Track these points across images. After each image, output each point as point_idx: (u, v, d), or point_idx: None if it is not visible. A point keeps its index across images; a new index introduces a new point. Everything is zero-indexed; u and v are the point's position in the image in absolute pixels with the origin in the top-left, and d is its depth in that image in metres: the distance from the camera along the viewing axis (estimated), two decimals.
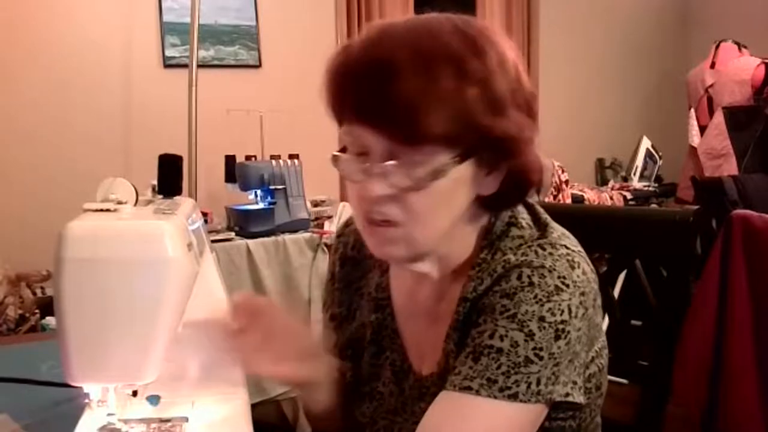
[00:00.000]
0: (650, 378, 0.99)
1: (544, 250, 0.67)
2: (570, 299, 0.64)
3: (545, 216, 0.74)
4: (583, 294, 0.66)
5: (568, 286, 0.64)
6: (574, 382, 0.66)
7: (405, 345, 0.79)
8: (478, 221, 0.72)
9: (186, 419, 0.77)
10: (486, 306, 0.66)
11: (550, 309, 0.63)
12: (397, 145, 0.63)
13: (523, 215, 0.73)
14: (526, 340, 0.63)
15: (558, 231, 0.72)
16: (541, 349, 0.63)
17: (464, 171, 0.65)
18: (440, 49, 0.62)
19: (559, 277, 0.65)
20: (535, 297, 0.64)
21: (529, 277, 0.65)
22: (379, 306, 0.81)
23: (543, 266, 0.65)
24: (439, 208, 0.66)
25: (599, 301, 0.71)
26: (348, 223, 0.88)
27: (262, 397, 2.29)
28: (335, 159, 0.68)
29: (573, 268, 0.66)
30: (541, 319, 0.63)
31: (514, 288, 0.65)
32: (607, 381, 0.76)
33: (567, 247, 0.68)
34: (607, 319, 1.08)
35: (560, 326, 0.63)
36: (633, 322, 1.09)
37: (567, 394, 0.65)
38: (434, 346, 0.74)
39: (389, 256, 0.70)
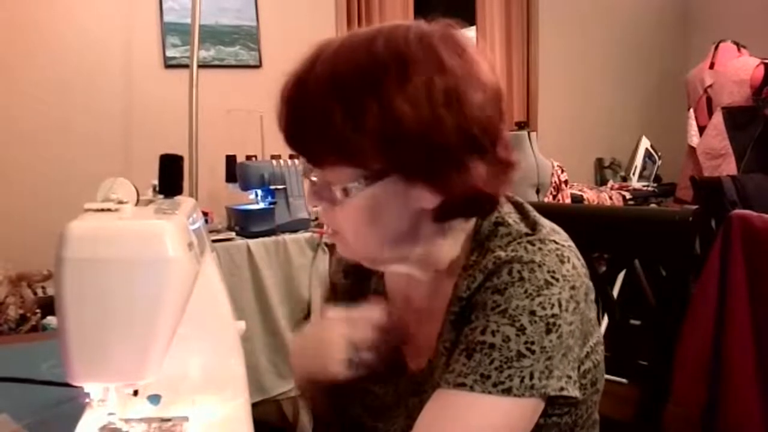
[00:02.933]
0: (650, 377, 0.99)
1: (534, 245, 0.68)
2: (560, 293, 0.64)
3: (534, 213, 0.75)
4: (573, 288, 0.66)
5: (557, 280, 0.65)
6: (569, 377, 0.66)
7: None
8: (465, 229, 0.73)
9: (186, 418, 0.77)
10: (478, 302, 0.67)
11: (540, 303, 0.63)
12: (311, 167, 0.68)
13: (510, 214, 0.74)
14: (517, 335, 0.63)
15: (547, 227, 0.72)
16: (532, 343, 0.63)
17: (382, 189, 0.65)
18: (375, 54, 0.62)
19: (548, 272, 0.65)
20: (526, 291, 0.64)
21: (519, 272, 0.65)
22: None
23: (533, 261, 0.65)
24: (366, 223, 0.68)
25: (592, 296, 0.72)
26: None
27: (262, 396, 2.29)
28: None
29: (563, 262, 0.67)
30: (532, 313, 0.63)
31: (504, 283, 0.65)
32: (604, 378, 0.76)
33: (556, 242, 0.69)
34: (606, 318, 1.09)
35: (551, 320, 0.64)
36: (632, 321, 1.09)
37: (561, 389, 0.65)
38: (428, 343, 0.75)
39: (342, 254, 0.74)
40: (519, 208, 0.76)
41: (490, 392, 0.62)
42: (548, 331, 0.63)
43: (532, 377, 0.63)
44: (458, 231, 0.73)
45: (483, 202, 0.69)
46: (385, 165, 0.64)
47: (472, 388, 0.63)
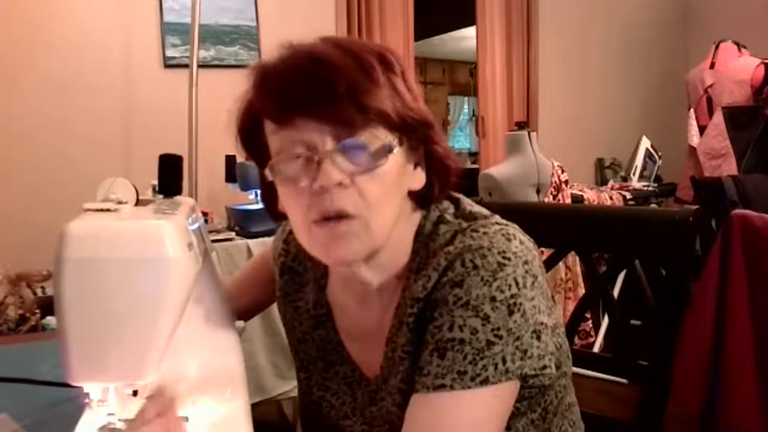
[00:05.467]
0: (650, 378, 0.99)
1: (478, 231, 0.69)
2: (515, 271, 0.65)
3: (470, 206, 0.77)
4: (526, 263, 0.67)
5: (509, 259, 0.66)
6: (552, 354, 0.67)
7: (353, 356, 0.80)
8: (411, 222, 0.74)
9: (186, 419, 0.77)
10: (438, 299, 0.67)
11: (498, 287, 0.64)
12: (343, 132, 0.65)
13: (448, 211, 0.75)
14: (483, 325, 0.64)
15: (486, 213, 0.74)
16: (498, 328, 0.64)
17: (399, 158, 0.68)
18: (363, 47, 0.68)
19: (499, 253, 0.66)
20: (482, 279, 0.64)
21: (471, 260, 0.66)
22: (320, 322, 0.82)
23: (482, 246, 0.66)
24: (388, 195, 0.68)
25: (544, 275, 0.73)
26: (292, 231, 0.88)
27: (262, 396, 2.29)
28: (274, 166, 0.68)
29: (509, 240, 0.68)
30: (492, 299, 0.64)
31: (460, 275, 0.65)
32: (570, 361, 0.77)
33: (498, 223, 0.71)
34: (606, 318, 1.08)
35: (511, 301, 0.64)
36: (632, 321, 1.09)
37: (544, 367, 0.66)
38: (379, 349, 0.75)
39: (342, 256, 0.68)
40: (456, 202, 0.77)
41: (469, 387, 0.63)
42: (511, 313, 0.64)
43: (504, 361, 0.64)
44: (408, 230, 0.74)
45: (446, 182, 0.74)
46: (400, 135, 0.68)
47: (452, 387, 0.63)
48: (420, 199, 0.73)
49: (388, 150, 0.66)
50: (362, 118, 0.64)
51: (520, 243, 0.68)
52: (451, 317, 0.65)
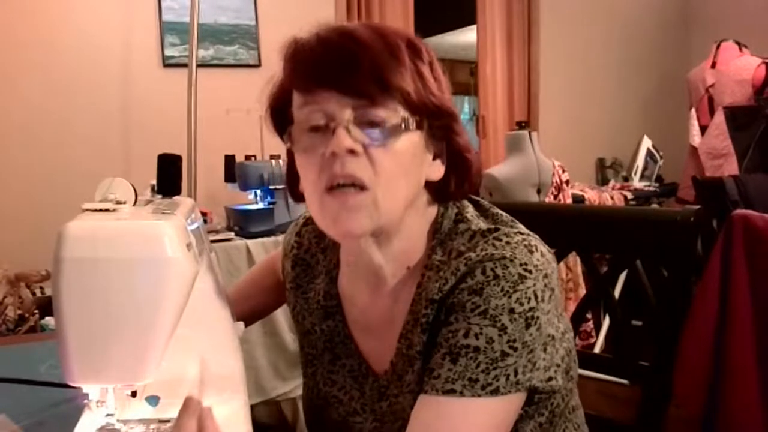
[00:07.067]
0: (651, 378, 0.99)
1: (501, 240, 0.68)
2: (534, 284, 0.65)
3: (490, 207, 0.77)
4: (546, 276, 0.67)
5: (531, 272, 0.66)
6: (558, 365, 0.68)
7: (361, 349, 0.80)
8: (426, 215, 0.74)
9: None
10: (455, 304, 0.67)
11: (518, 299, 0.64)
12: (362, 106, 0.65)
13: (468, 209, 0.75)
14: (500, 335, 0.64)
15: (507, 218, 0.74)
16: (514, 340, 0.64)
17: (419, 141, 0.69)
18: (394, 32, 0.69)
19: (521, 265, 0.66)
20: (502, 289, 0.65)
21: (492, 270, 0.66)
22: (329, 313, 0.82)
23: (504, 257, 0.66)
24: (401, 173, 0.68)
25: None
26: (306, 223, 0.90)
27: (261, 397, 2.29)
28: (292, 133, 0.69)
29: (532, 252, 0.68)
30: (511, 311, 0.64)
31: (480, 283, 0.65)
32: (577, 366, 0.77)
33: (521, 233, 0.70)
34: (608, 319, 1.08)
35: (529, 314, 0.65)
36: (634, 322, 1.08)
37: (550, 378, 0.67)
38: (390, 345, 0.75)
39: (349, 228, 0.68)
40: (476, 204, 0.77)
41: (479, 395, 0.63)
42: (528, 326, 0.64)
43: (516, 373, 0.64)
44: (424, 222, 0.74)
45: (464, 177, 0.74)
46: (420, 118, 0.68)
47: (461, 394, 0.63)
48: (436, 192, 0.74)
49: (405, 127, 0.66)
50: (382, 94, 0.65)
51: (542, 255, 0.68)
52: (468, 324, 0.65)
